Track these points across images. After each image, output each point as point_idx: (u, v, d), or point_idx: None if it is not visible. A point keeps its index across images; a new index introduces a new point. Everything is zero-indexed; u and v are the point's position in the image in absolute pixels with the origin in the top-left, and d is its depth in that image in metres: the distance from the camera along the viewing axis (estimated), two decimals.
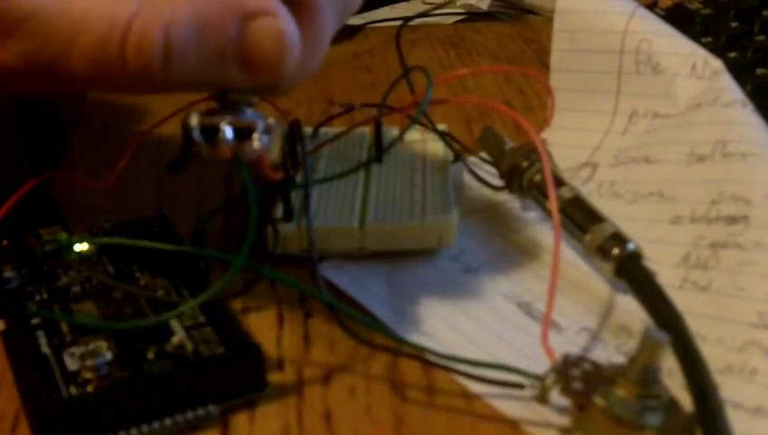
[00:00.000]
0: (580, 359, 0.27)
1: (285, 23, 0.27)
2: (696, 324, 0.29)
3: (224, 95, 0.29)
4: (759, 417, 0.27)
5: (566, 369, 0.27)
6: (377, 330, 0.30)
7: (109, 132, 0.45)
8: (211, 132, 0.28)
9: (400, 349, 0.30)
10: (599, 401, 0.26)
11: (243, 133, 0.28)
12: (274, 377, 0.29)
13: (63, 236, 0.34)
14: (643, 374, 0.25)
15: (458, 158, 0.39)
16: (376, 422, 0.28)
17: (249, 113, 0.28)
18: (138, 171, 0.39)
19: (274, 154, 0.29)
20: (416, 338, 0.30)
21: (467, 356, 0.29)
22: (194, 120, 0.28)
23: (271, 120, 0.29)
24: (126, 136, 0.44)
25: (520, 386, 0.28)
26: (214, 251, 0.33)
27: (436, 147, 0.40)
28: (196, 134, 0.28)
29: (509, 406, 0.28)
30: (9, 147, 0.38)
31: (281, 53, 0.27)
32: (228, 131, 0.28)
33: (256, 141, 0.28)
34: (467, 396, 0.29)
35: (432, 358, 0.29)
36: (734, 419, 0.26)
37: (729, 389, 0.27)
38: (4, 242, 0.33)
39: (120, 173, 0.34)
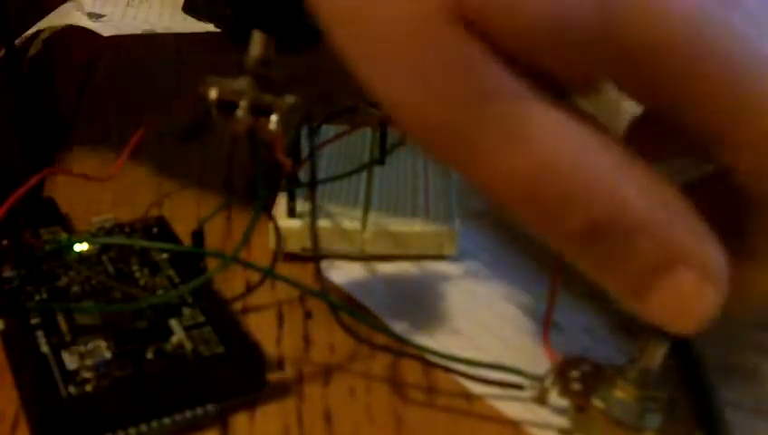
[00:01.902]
0: (580, 360, 0.27)
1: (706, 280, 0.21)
2: None
3: (246, 66, 0.28)
4: (759, 417, 0.27)
5: (565, 370, 0.27)
6: (378, 330, 0.30)
7: (109, 132, 0.44)
8: (229, 107, 0.27)
9: (401, 349, 0.30)
10: (597, 402, 0.26)
11: (260, 112, 0.28)
12: (274, 377, 0.29)
13: (63, 236, 0.34)
14: (642, 376, 0.25)
15: None
16: (376, 422, 0.28)
17: (270, 90, 0.28)
18: (138, 171, 0.39)
19: (289, 136, 0.29)
20: (416, 339, 0.30)
21: (468, 357, 0.28)
22: (212, 93, 0.27)
23: (290, 100, 0.28)
24: (126, 136, 0.44)
25: (519, 387, 0.28)
26: (213, 251, 0.33)
27: None
28: (214, 108, 0.27)
29: (510, 406, 0.28)
30: (8, 146, 0.38)
31: (686, 316, 0.22)
32: (247, 109, 0.27)
33: (273, 123, 0.28)
34: (468, 396, 0.29)
35: (432, 358, 0.29)
36: (734, 419, 0.26)
37: (729, 389, 0.27)
38: (4, 242, 0.33)
39: (121, 169, 0.34)
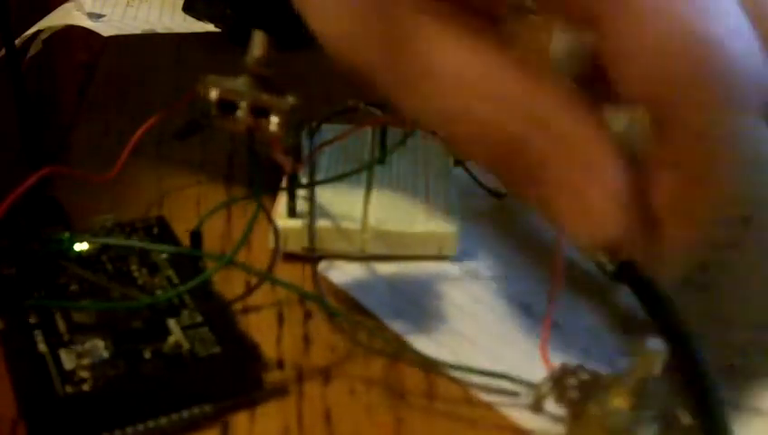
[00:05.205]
0: (578, 368, 0.27)
1: None
2: (696, 324, 0.29)
3: (246, 66, 0.28)
4: (759, 417, 0.27)
5: (562, 377, 0.26)
6: (376, 335, 0.30)
7: (109, 132, 0.44)
8: (228, 107, 0.27)
9: (397, 353, 0.30)
10: (593, 410, 0.25)
11: (260, 113, 0.27)
12: (274, 377, 0.29)
13: (64, 235, 0.34)
14: (639, 385, 0.25)
15: (460, 163, 0.39)
16: (376, 422, 0.28)
17: (270, 90, 0.28)
18: (138, 170, 0.39)
19: (289, 137, 0.29)
20: (416, 339, 0.30)
21: (468, 358, 0.28)
22: (212, 93, 0.27)
23: (290, 100, 0.28)
24: (126, 136, 0.44)
25: (515, 394, 0.27)
26: (211, 252, 0.33)
27: (440, 150, 0.39)
28: (214, 108, 0.27)
29: (508, 410, 0.28)
30: (8, 146, 0.38)
31: None
32: (246, 110, 0.27)
33: (273, 124, 0.28)
34: (468, 397, 0.29)
35: (429, 364, 0.29)
36: (734, 419, 0.26)
37: (729, 389, 0.27)
38: (5, 242, 0.33)
39: (121, 168, 0.34)
